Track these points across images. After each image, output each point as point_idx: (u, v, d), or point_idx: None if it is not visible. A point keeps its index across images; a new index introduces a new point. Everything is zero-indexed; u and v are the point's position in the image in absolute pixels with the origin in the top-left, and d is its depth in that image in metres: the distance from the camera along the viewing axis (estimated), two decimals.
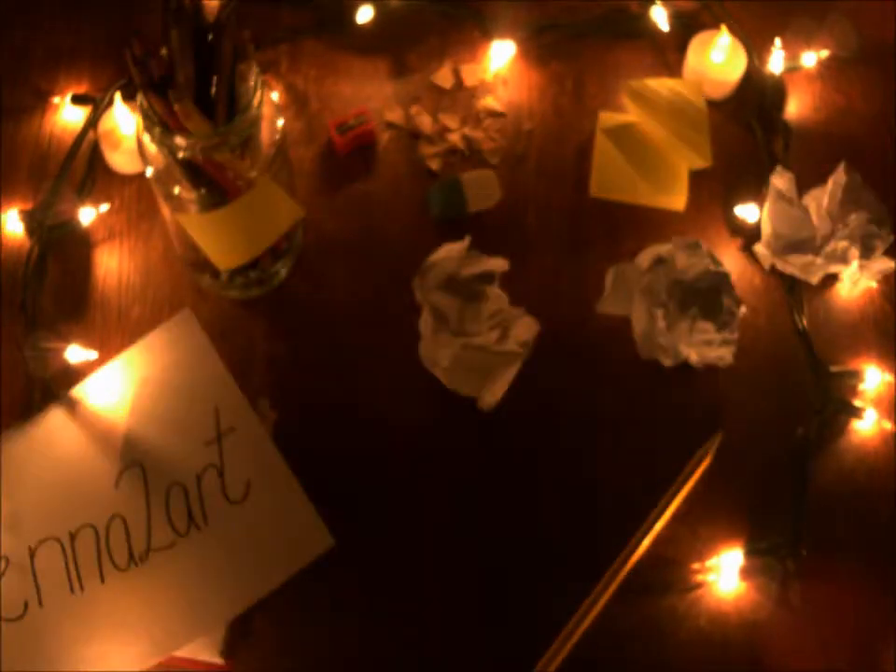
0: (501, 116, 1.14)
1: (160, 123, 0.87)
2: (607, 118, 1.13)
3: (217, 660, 0.92)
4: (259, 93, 0.89)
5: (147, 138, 0.90)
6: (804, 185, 1.08)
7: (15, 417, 0.99)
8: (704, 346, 0.99)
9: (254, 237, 0.98)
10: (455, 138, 1.12)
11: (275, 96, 0.94)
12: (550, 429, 1.01)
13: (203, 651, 0.92)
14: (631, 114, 1.12)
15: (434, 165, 1.11)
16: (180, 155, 0.89)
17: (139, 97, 0.87)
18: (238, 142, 0.90)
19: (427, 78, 1.15)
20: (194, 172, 0.91)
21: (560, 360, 1.03)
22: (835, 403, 1.00)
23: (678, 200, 1.10)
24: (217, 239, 0.97)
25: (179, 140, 0.87)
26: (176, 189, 0.93)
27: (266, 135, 0.93)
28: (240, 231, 0.97)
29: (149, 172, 0.93)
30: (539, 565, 0.96)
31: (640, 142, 1.11)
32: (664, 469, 0.98)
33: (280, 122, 0.94)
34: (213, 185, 0.92)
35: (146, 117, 0.88)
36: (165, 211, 0.97)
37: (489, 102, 1.14)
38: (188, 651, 0.91)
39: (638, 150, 1.11)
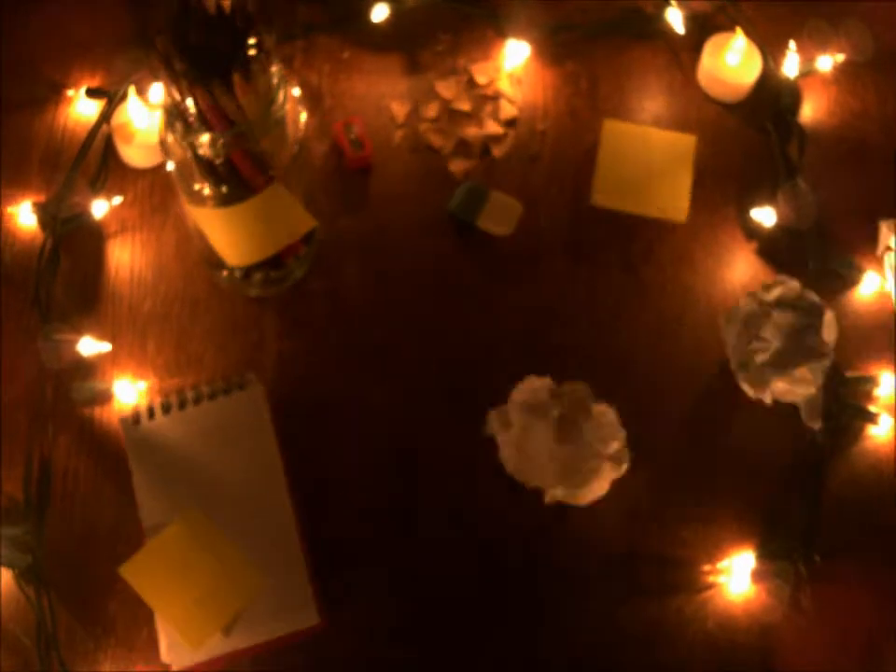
0: (515, 115, 1.14)
1: (183, 119, 0.87)
2: (611, 126, 1.12)
3: (313, 621, 0.92)
4: (282, 89, 0.89)
5: (170, 135, 0.90)
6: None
7: (27, 409, 0.99)
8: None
9: (264, 239, 0.98)
10: (467, 132, 1.12)
11: (297, 92, 0.93)
12: None
13: (298, 616, 0.92)
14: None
15: (453, 167, 1.11)
16: (200, 151, 0.89)
17: (164, 92, 0.87)
18: (262, 136, 0.90)
19: (441, 76, 1.15)
20: (212, 169, 0.91)
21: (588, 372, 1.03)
22: (850, 408, 1.00)
23: (679, 212, 1.09)
24: (227, 235, 0.97)
25: (201, 137, 0.88)
26: (197, 185, 0.93)
27: (289, 131, 0.93)
28: (250, 230, 0.97)
29: (170, 166, 0.93)
30: None
31: (643, 151, 1.11)
32: None
33: (303, 117, 0.94)
34: (233, 182, 0.92)
35: (168, 112, 0.88)
36: (185, 206, 0.97)
37: (502, 101, 1.14)
38: (283, 627, 0.92)
39: (641, 160, 1.10)
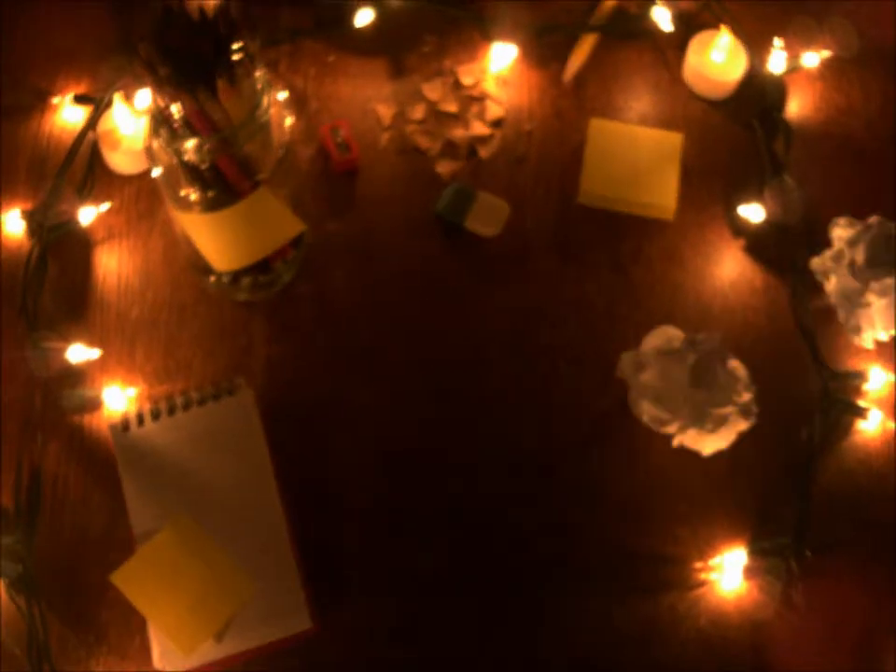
0: (501, 115, 1.13)
1: (168, 125, 0.88)
2: (598, 125, 1.12)
3: (306, 625, 0.92)
4: (267, 93, 0.89)
5: (155, 141, 0.90)
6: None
7: (16, 417, 0.99)
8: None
9: (251, 244, 0.98)
10: (453, 133, 1.12)
11: (283, 96, 0.94)
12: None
13: (290, 621, 0.92)
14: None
15: (440, 169, 1.11)
16: (186, 157, 0.89)
17: (152, 99, 0.88)
18: (246, 142, 0.90)
19: (427, 78, 1.15)
20: (198, 174, 0.91)
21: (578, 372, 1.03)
22: (840, 404, 1.00)
23: (667, 210, 1.09)
24: (214, 240, 0.97)
25: (187, 143, 0.88)
26: (183, 191, 0.93)
27: (275, 135, 0.93)
28: (237, 235, 0.97)
29: (156, 173, 0.93)
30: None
31: (630, 150, 1.11)
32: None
33: (288, 122, 0.94)
34: (219, 187, 0.92)
35: (154, 118, 0.88)
36: (172, 212, 0.97)
37: (488, 102, 1.14)
38: (276, 633, 0.92)
39: (628, 159, 1.10)
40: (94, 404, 1.00)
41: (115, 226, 1.08)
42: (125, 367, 1.02)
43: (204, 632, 0.91)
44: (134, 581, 0.92)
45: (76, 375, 1.01)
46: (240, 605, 0.92)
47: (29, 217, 1.06)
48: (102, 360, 1.02)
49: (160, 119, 0.89)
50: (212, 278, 1.03)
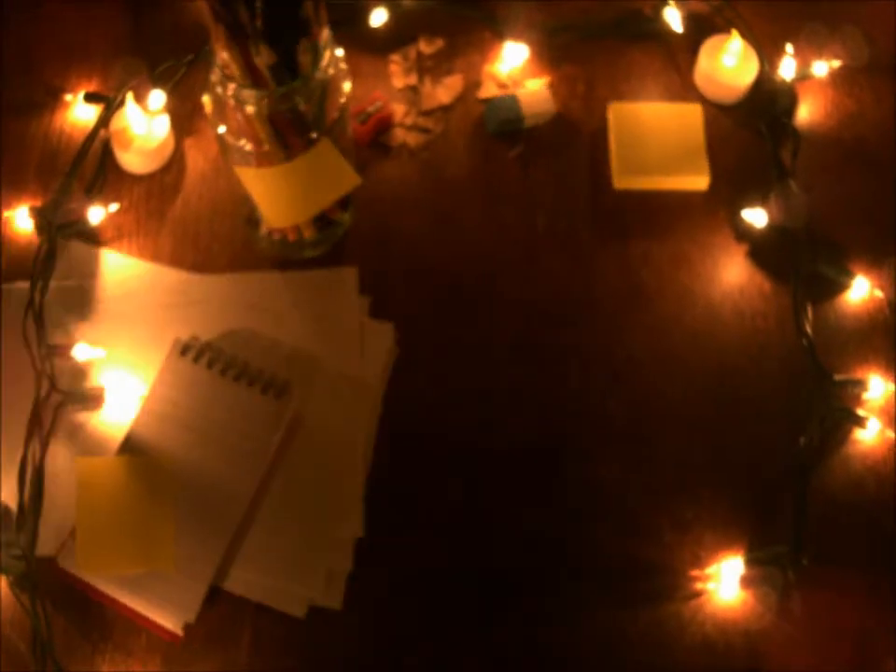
0: None
1: (236, 77, 0.89)
2: (618, 108, 1.12)
3: (176, 628, 0.93)
4: (329, 53, 0.90)
5: (220, 94, 0.92)
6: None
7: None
8: None
9: (309, 198, 0.98)
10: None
11: (340, 52, 0.95)
12: None
13: (172, 614, 0.93)
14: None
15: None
16: (250, 109, 0.91)
17: (217, 51, 0.88)
18: (306, 99, 0.92)
19: (439, 78, 1.16)
20: (259, 128, 0.93)
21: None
22: (838, 412, 1.00)
23: (700, 179, 1.10)
24: (273, 195, 0.98)
25: (250, 94, 0.89)
26: (241, 142, 0.95)
27: (332, 97, 0.95)
28: (296, 189, 0.97)
29: (222, 129, 0.95)
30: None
31: (653, 127, 1.11)
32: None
33: (347, 86, 0.95)
34: (275, 142, 0.94)
35: (223, 72, 0.89)
36: (234, 168, 0.98)
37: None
38: (154, 614, 0.93)
39: (653, 135, 1.11)
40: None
41: (124, 225, 1.08)
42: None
43: (107, 566, 0.94)
44: (91, 478, 0.95)
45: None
46: (150, 568, 0.94)
47: (38, 214, 1.06)
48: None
49: (224, 73, 0.89)
50: (272, 238, 1.05)
